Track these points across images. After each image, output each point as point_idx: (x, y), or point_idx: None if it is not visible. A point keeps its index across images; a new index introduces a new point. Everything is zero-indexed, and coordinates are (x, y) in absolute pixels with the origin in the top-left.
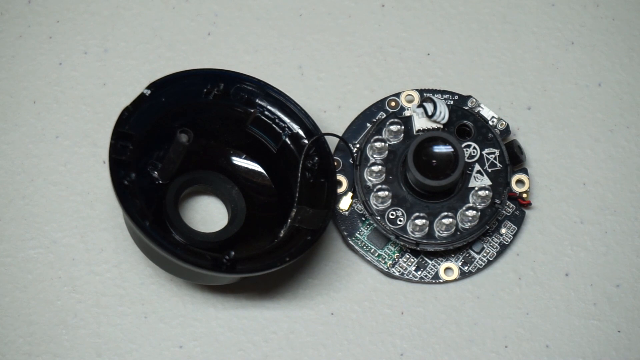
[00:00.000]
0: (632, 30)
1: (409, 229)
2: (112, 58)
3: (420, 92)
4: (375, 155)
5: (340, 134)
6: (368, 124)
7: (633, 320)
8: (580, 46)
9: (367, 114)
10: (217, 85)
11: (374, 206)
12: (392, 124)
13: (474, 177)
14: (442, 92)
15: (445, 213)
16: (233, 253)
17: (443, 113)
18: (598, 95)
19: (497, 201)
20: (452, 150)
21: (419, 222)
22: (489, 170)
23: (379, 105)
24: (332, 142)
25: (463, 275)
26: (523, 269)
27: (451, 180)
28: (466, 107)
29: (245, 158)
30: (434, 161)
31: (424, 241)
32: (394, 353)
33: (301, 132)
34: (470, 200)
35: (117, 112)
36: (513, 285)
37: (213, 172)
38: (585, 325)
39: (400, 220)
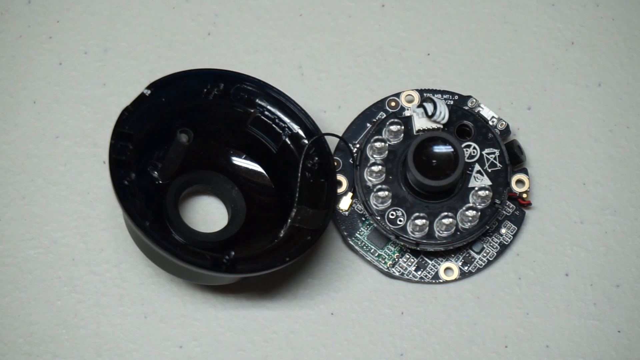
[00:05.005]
0: (632, 30)
1: (409, 229)
2: (112, 58)
3: (420, 92)
4: (375, 155)
5: (340, 134)
6: (368, 124)
7: (633, 320)
8: (580, 46)
9: (367, 114)
10: (217, 85)
11: (374, 206)
12: (392, 124)
13: (474, 177)
14: (442, 92)
15: (445, 213)
16: (233, 253)
17: (443, 113)
18: (598, 95)
19: (497, 201)
20: (452, 150)
21: (419, 222)
22: (489, 170)
23: (379, 105)
24: (332, 142)
25: (463, 275)
26: (523, 269)
27: (451, 181)
28: (466, 107)
29: (245, 158)
30: (434, 161)
31: (424, 241)
32: (394, 353)
33: (301, 132)
34: (470, 200)
35: (117, 112)
36: (513, 285)
37: (213, 172)
38: (585, 325)
39: (400, 220)
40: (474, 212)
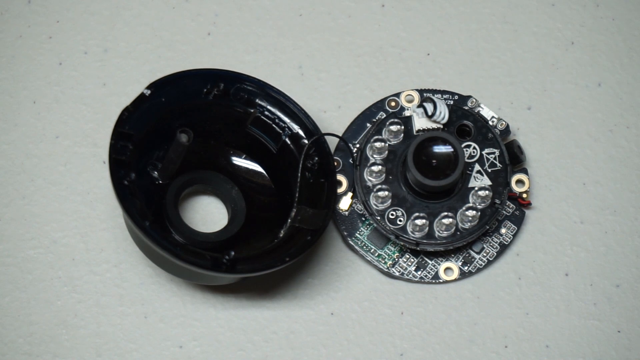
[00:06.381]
0: (632, 30)
1: (409, 229)
2: (112, 58)
3: (420, 92)
4: (375, 155)
5: (340, 134)
6: (368, 124)
7: (633, 320)
8: (580, 46)
9: (367, 114)
10: (217, 85)
11: (374, 206)
12: (392, 124)
13: (474, 177)
14: (442, 92)
15: (445, 213)
16: (233, 253)
17: (443, 113)
18: (598, 95)
19: (497, 201)
20: (452, 150)
21: (418, 222)
22: (489, 170)
23: (379, 105)
24: (332, 142)
25: (463, 275)
26: (523, 269)
27: (451, 181)
28: (466, 107)
29: (245, 158)
30: (434, 161)
31: (424, 241)
32: (394, 353)
33: (301, 132)
34: (470, 200)
35: (117, 112)
36: (513, 285)
37: (213, 172)
38: (585, 325)
39: (400, 220)
40: (474, 212)
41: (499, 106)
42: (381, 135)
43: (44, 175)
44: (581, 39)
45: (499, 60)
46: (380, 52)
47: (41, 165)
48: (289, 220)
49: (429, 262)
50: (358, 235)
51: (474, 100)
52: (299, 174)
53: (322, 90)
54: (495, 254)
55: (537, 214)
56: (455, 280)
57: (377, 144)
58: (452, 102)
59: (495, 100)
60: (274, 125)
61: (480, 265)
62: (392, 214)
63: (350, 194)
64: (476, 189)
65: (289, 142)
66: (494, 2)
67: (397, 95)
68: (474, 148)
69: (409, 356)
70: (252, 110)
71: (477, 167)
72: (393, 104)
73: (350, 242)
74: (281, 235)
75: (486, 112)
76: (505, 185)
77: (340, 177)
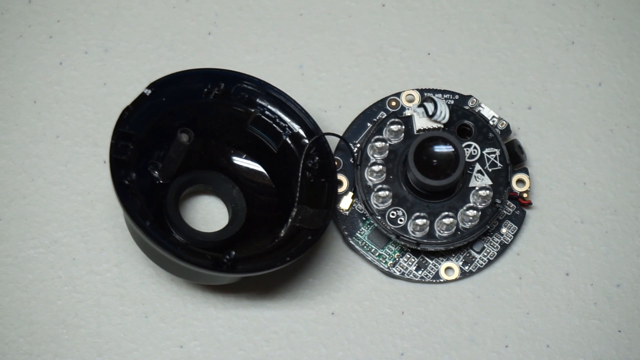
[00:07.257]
0: (632, 30)
1: (410, 228)
2: (112, 58)
3: (421, 91)
4: (375, 155)
5: (341, 134)
6: (369, 124)
7: (633, 320)
8: (580, 46)
9: (368, 114)
10: (217, 85)
11: (375, 206)
12: (392, 123)
13: (475, 176)
14: (443, 92)
15: (446, 213)
16: (233, 253)
17: (444, 113)
18: (598, 95)
19: (498, 201)
20: (453, 150)
21: (419, 221)
22: (490, 170)
23: (380, 104)
24: (333, 142)
25: (463, 274)
26: (523, 268)
27: (452, 180)
28: (467, 107)
29: (245, 158)
30: (435, 161)
31: (425, 241)
32: (395, 353)
33: (302, 132)
34: (471, 200)
35: (118, 111)
36: (513, 285)
37: (213, 172)
38: (585, 325)
39: (400, 220)
40: (475, 211)
41: (499, 106)
42: (382, 134)
43: (45, 175)
44: (581, 39)
45: (499, 60)
46: (380, 52)
47: (41, 165)
48: (290, 220)
49: (430, 261)
50: (359, 235)
51: (475, 99)
52: (300, 174)
53: (322, 89)
54: (495, 253)
55: (537, 213)
56: (455, 279)
57: (378, 144)
58: (452, 102)
59: (496, 100)
60: (274, 125)
61: (481, 264)
62: (392, 214)
63: (350, 194)
64: (477, 188)
65: (289, 141)
66: (494, 2)
67: (398, 94)
68: (475, 148)
69: (410, 356)
70: (252, 110)
71: (477, 166)
72: (394, 103)
73: (350, 241)
74: (282, 235)
75: (487, 112)
76: (506, 184)
77: (341, 177)
